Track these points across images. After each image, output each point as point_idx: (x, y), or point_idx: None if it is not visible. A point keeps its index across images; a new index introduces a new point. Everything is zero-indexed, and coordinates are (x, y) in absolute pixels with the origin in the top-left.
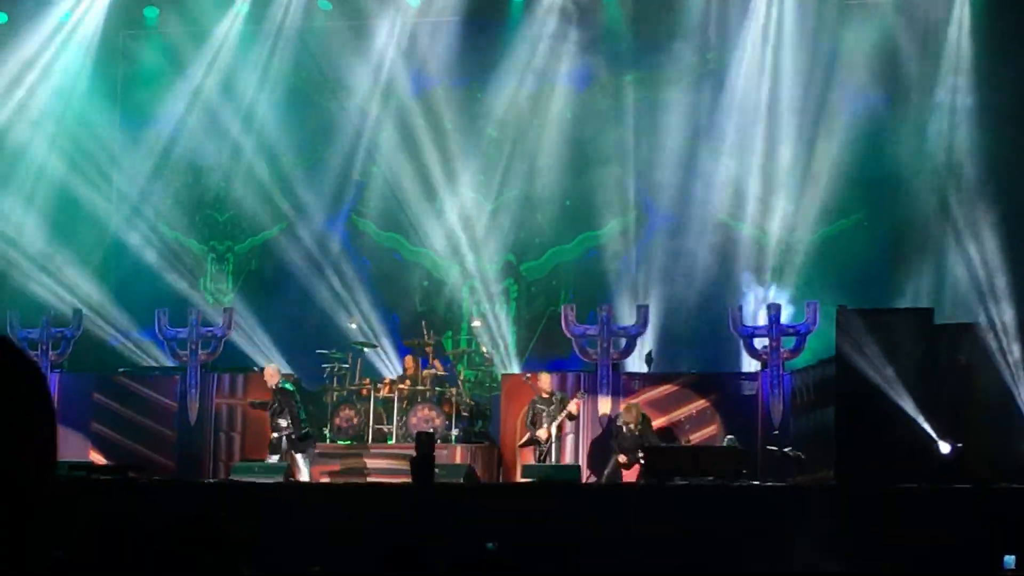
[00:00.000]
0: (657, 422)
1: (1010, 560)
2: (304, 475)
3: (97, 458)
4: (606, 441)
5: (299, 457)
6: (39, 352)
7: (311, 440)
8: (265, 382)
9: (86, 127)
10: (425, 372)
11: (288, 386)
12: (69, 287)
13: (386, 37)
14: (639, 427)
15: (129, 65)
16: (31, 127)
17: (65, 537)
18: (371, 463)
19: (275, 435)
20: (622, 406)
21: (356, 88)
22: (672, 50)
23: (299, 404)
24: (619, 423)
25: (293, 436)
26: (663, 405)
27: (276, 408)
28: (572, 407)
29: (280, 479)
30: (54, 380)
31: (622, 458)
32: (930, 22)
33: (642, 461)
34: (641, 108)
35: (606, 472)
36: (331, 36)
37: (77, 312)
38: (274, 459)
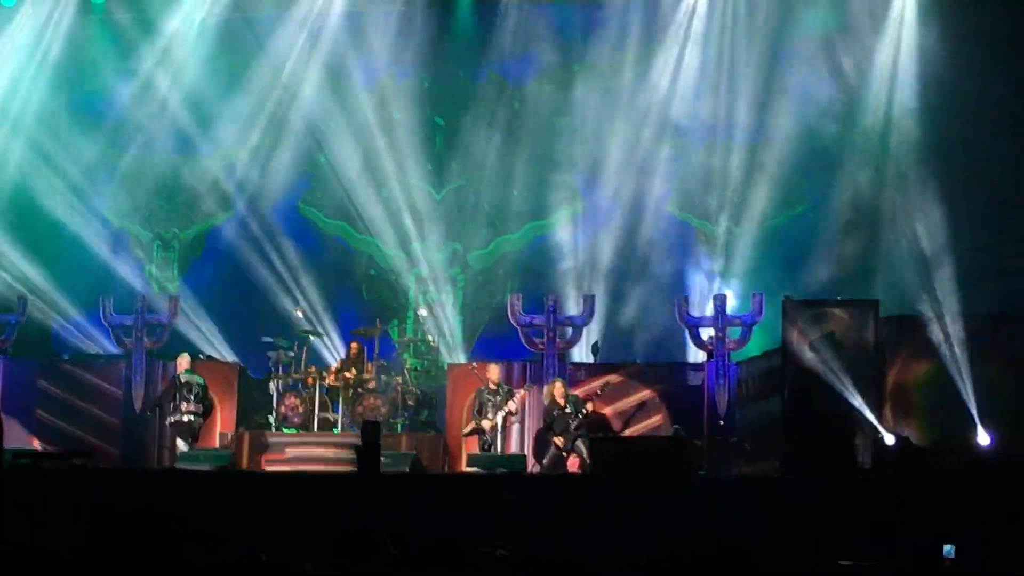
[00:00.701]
0: (604, 411)
1: (949, 549)
2: None
3: (40, 445)
4: (547, 430)
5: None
6: None
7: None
8: (179, 366)
9: (33, 110)
10: (369, 364)
11: (186, 377)
12: (12, 272)
13: (334, 27)
14: (568, 405)
15: (78, 49)
16: None
17: (11, 526)
18: (317, 452)
19: (186, 418)
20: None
21: (306, 77)
22: (619, 39)
23: (187, 397)
24: (547, 403)
25: (179, 421)
26: (609, 396)
27: (169, 397)
28: (512, 405)
29: (226, 466)
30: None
31: (558, 440)
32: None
33: (581, 447)
34: (589, 98)
35: (545, 460)
36: (278, 24)
37: (22, 298)
38: (182, 442)
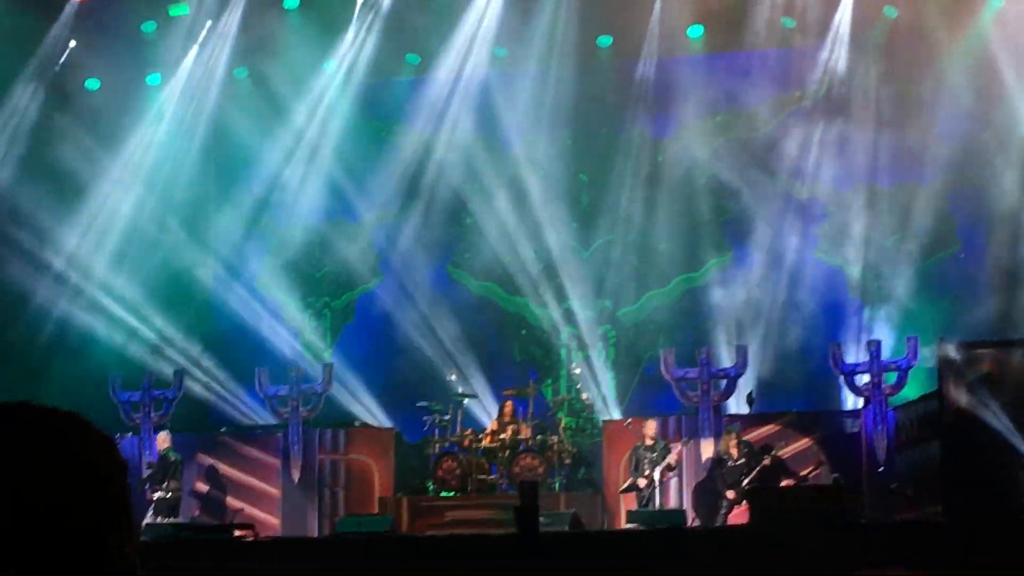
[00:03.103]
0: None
1: None
2: None
3: (204, 518)
4: (710, 483)
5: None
6: (142, 414)
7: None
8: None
9: (182, 184)
10: (524, 424)
11: (170, 455)
12: (170, 347)
13: (476, 89)
14: (743, 455)
15: (223, 120)
16: (122, 186)
17: None
18: (476, 514)
19: (168, 495)
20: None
21: (450, 139)
22: (758, 89)
23: (172, 475)
24: (722, 454)
25: (162, 500)
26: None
27: (160, 474)
28: (672, 458)
29: (387, 531)
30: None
31: (730, 494)
32: None
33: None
34: (731, 148)
35: (720, 513)
36: (420, 87)
37: (178, 372)
38: (157, 518)
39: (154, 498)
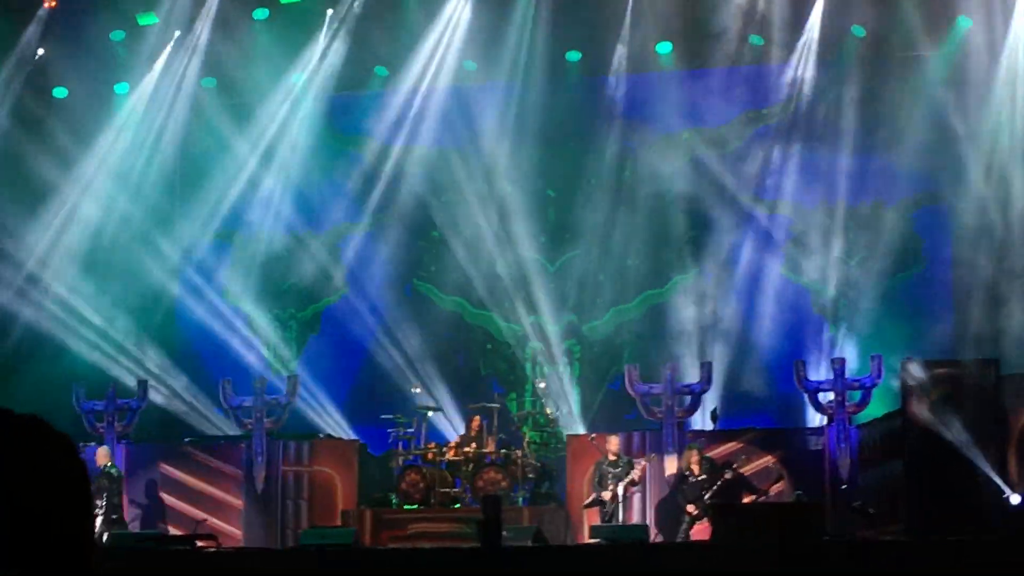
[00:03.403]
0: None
1: None
2: None
3: (166, 528)
4: (672, 499)
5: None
6: (105, 424)
7: (116, 526)
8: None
9: (146, 192)
10: (489, 438)
11: (112, 471)
12: (132, 357)
13: (441, 103)
14: (704, 472)
15: (189, 126)
16: (89, 194)
17: None
18: (439, 527)
19: (114, 515)
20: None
21: (415, 152)
22: (727, 105)
23: (117, 491)
24: (684, 471)
25: (108, 517)
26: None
27: (95, 489)
28: (635, 474)
29: (350, 543)
30: (120, 452)
31: (690, 508)
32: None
33: (709, 515)
34: (699, 165)
35: (681, 528)
36: (383, 100)
37: (142, 383)
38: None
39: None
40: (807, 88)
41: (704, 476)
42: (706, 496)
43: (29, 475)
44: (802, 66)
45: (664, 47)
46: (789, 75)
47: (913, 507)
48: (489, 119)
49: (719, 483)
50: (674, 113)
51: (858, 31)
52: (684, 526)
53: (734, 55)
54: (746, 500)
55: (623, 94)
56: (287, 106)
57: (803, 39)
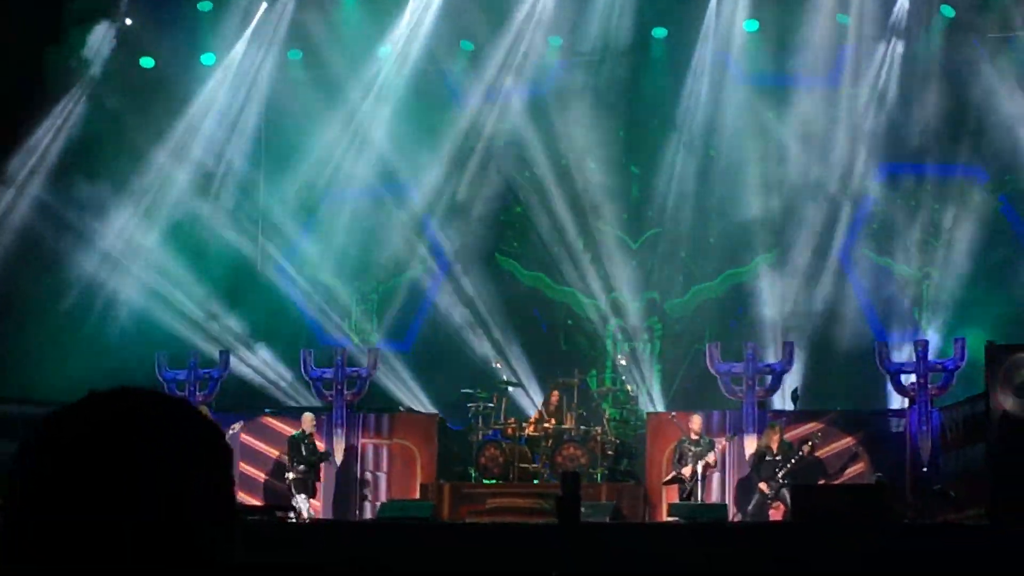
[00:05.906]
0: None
1: None
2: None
3: (246, 499)
4: (751, 478)
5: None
6: (186, 392)
7: None
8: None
9: (231, 164)
10: (568, 414)
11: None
12: (215, 326)
13: (529, 80)
14: (780, 452)
15: (276, 101)
16: (175, 166)
17: None
18: (517, 502)
19: (305, 475)
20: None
21: (502, 129)
22: (811, 82)
23: None
24: (763, 450)
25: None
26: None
27: (304, 454)
28: (711, 457)
29: (428, 517)
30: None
31: (762, 486)
32: None
33: (786, 495)
34: (782, 145)
35: (750, 507)
36: (472, 75)
37: (224, 352)
38: (302, 498)
39: (289, 479)
40: (894, 67)
41: (780, 456)
42: (780, 474)
43: (199, 459)
44: (889, 46)
45: (751, 25)
46: (878, 54)
47: (994, 492)
48: (574, 95)
49: (792, 461)
50: (759, 93)
51: (947, 11)
52: (754, 503)
53: (819, 31)
54: (820, 482)
55: (709, 72)
56: (373, 78)
57: (892, 19)
